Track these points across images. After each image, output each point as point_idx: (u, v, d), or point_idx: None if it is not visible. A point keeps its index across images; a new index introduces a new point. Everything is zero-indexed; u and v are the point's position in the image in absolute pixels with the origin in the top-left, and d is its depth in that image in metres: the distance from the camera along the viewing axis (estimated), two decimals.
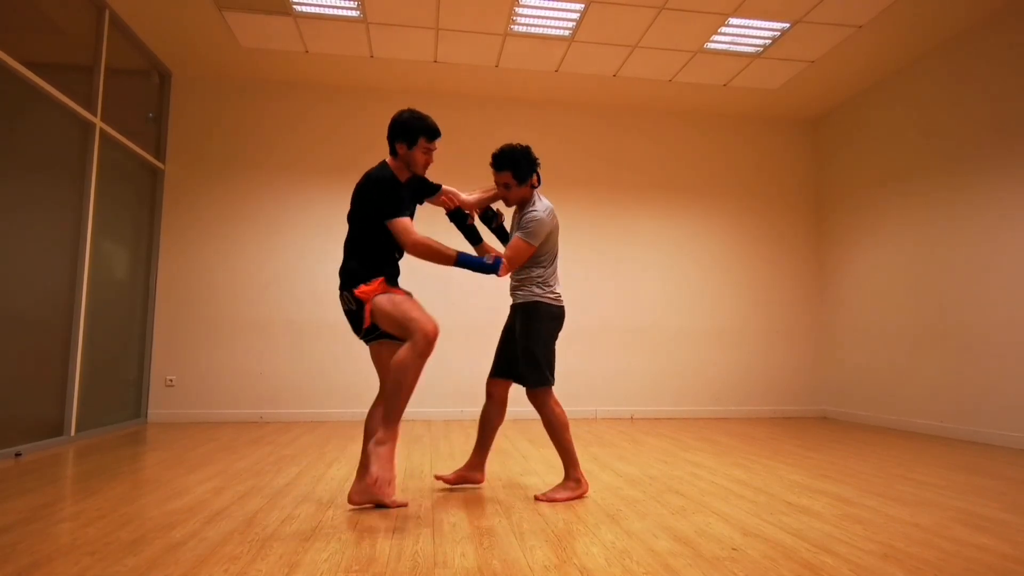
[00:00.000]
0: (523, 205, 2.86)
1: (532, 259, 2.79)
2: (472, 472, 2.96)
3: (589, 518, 2.46)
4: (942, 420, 4.96)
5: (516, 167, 2.79)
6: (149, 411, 5.40)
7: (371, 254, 2.59)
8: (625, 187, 6.33)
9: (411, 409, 5.72)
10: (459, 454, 3.91)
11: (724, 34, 4.94)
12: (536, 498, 2.73)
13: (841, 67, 5.47)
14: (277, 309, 5.65)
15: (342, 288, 2.58)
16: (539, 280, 2.79)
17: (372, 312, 2.48)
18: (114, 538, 2.11)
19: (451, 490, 2.93)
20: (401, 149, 2.67)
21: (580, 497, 2.77)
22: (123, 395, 5.12)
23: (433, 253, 2.58)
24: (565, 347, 5.99)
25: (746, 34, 4.93)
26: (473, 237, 2.93)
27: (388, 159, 2.72)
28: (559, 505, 2.65)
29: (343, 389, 5.66)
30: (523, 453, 3.96)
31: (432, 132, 2.70)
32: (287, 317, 5.65)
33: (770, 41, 5.02)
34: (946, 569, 1.92)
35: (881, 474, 3.40)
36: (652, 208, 6.36)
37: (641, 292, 6.24)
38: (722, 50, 5.18)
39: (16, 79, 3.68)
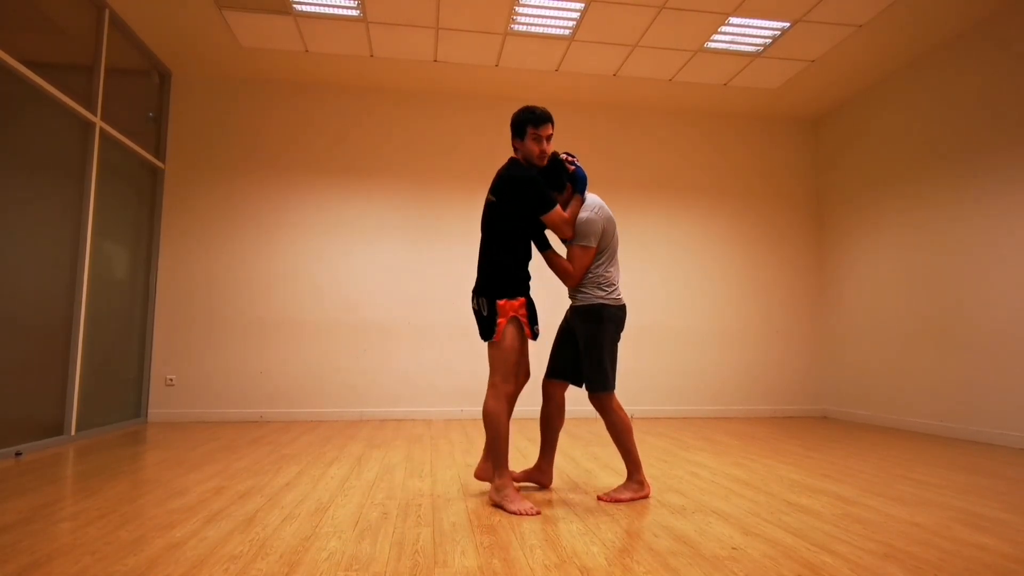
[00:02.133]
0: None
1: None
2: (540, 475, 2.95)
3: (589, 518, 2.46)
4: (942, 420, 4.96)
5: (572, 180, 2.88)
6: (149, 411, 5.40)
7: (512, 263, 2.68)
8: (625, 186, 6.33)
9: (411, 408, 5.74)
10: (459, 453, 3.91)
11: (724, 33, 4.94)
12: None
13: (841, 67, 5.46)
14: (277, 309, 5.65)
15: (479, 293, 2.68)
16: (601, 281, 2.77)
17: (504, 331, 2.61)
18: (114, 538, 2.11)
19: (451, 490, 2.93)
20: (517, 144, 2.73)
21: (644, 498, 2.75)
22: (123, 395, 5.12)
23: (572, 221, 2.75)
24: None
25: (746, 33, 4.93)
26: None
27: (515, 156, 2.79)
28: (558, 504, 2.65)
29: (343, 389, 5.66)
30: (523, 452, 3.96)
31: (538, 118, 2.68)
32: (287, 317, 5.65)
33: (770, 40, 5.02)
34: (946, 569, 1.92)
35: (881, 473, 3.40)
36: (652, 207, 6.36)
37: (641, 291, 6.24)
38: (722, 49, 5.18)
39: (16, 78, 3.68)
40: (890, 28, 4.82)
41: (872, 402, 5.73)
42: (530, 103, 6.31)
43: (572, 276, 2.75)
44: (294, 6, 4.61)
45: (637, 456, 2.78)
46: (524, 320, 2.64)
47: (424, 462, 3.61)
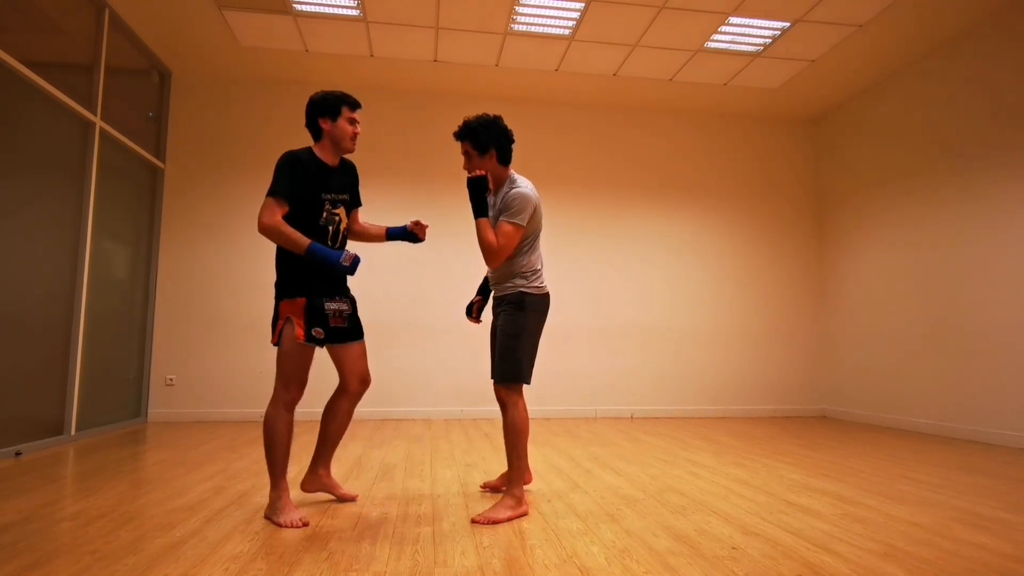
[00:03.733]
0: (500, 186, 2.63)
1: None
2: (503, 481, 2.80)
3: (589, 517, 2.45)
4: (942, 419, 4.96)
5: (475, 136, 2.56)
6: (149, 410, 5.40)
7: (293, 256, 2.40)
8: (625, 186, 6.33)
9: (411, 408, 5.74)
10: (459, 452, 3.91)
11: (724, 33, 4.94)
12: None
13: (841, 66, 5.46)
14: None
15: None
16: (523, 269, 2.60)
17: (281, 334, 2.39)
18: (114, 537, 2.11)
19: (451, 490, 2.93)
20: (326, 125, 2.47)
21: (521, 516, 2.44)
22: (123, 394, 5.12)
23: (283, 238, 2.34)
24: (565, 346, 6.02)
25: (746, 33, 4.93)
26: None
27: (312, 146, 2.52)
28: (558, 503, 2.65)
29: None
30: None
31: (353, 102, 2.50)
32: None
33: (770, 40, 5.02)
34: (946, 568, 1.92)
35: (881, 473, 3.40)
36: (652, 207, 6.36)
37: (641, 291, 6.24)
38: (722, 49, 5.18)
39: (16, 78, 3.68)
40: (890, 28, 4.82)
41: (872, 402, 5.73)
42: (530, 103, 6.37)
43: (496, 252, 2.48)
44: (294, 6, 4.61)
45: (527, 465, 2.56)
46: (299, 322, 2.37)
47: (424, 462, 3.61)
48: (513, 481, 2.51)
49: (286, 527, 2.26)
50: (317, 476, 2.63)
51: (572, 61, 5.43)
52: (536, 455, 3.86)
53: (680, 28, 4.85)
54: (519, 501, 2.47)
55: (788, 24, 4.77)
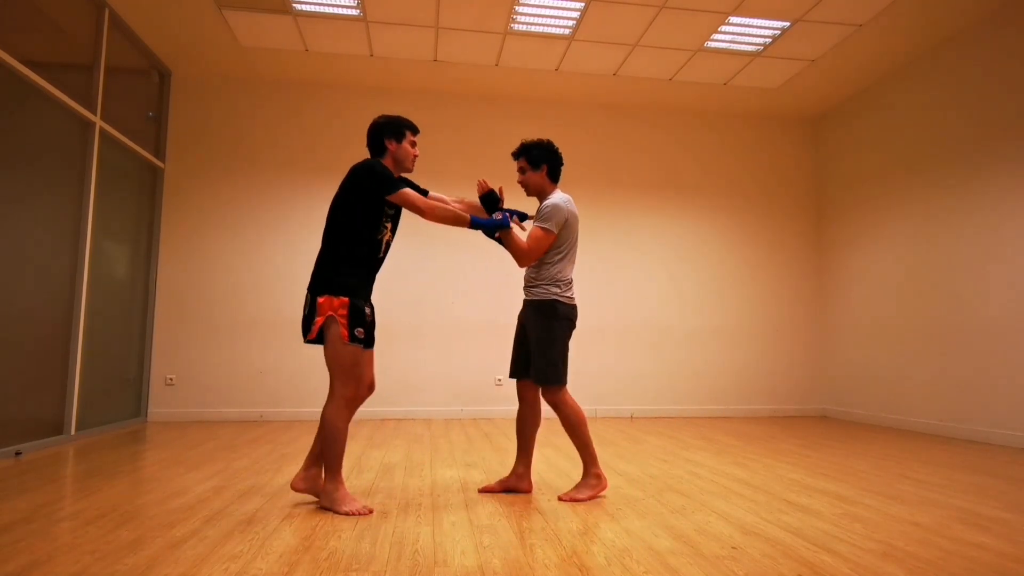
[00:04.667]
0: (541, 198, 2.89)
1: (550, 252, 2.76)
2: (519, 481, 2.85)
3: (589, 517, 2.46)
4: (942, 419, 4.96)
5: (529, 154, 2.87)
6: (149, 410, 5.40)
7: (346, 260, 2.54)
8: (625, 186, 6.33)
9: (411, 408, 5.74)
10: (459, 452, 3.92)
11: (724, 33, 4.94)
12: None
13: (841, 66, 5.46)
14: (277, 308, 5.65)
15: (308, 288, 2.55)
16: (557, 277, 2.76)
17: (323, 329, 2.47)
18: (114, 537, 2.11)
19: (451, 490, 2.93)
20: (391, 145, 2.66)
21: (602, 493, 2.77)
22: (123, 394, 5.12)
23: (450, 216, 2.60)
24: None
25: (746, 33, 4.93)
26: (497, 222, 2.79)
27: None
28: (558, 503, 2.65)
29: None
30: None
31: (415, 128, 2.73)
32: (287, 316, 5.65)
33: (770, 40, 5.02)
34: (946, 568, 1.92)
35: (881, 473, 3.40)
36: (652, 207, 6.36)
37: (641, 291, 6.24)
38: (722, 49, 5.18)
39: (16, 78, 3.68)
40: (890, 28, 4.82)
41: (871, 402, 5.73)
42: (531, 102, 6.37)
43: (525, 255, 2.71)
44: (294, 5, 4.61)
45: (594, 450, 2.77)
46: (342, 321, 2.45)
47: (424, 462, 3.61)
48: (587, 464, 2.76)
49: (352, 515, 2.42)
50: (310, 476, 2.62)
51: (572, 61, 5.43)
52: (536, 455, 3.85)
53: (680, 28, 4.85)
54: (599, 479, 2.75)
55: (788, 24, 4.77)
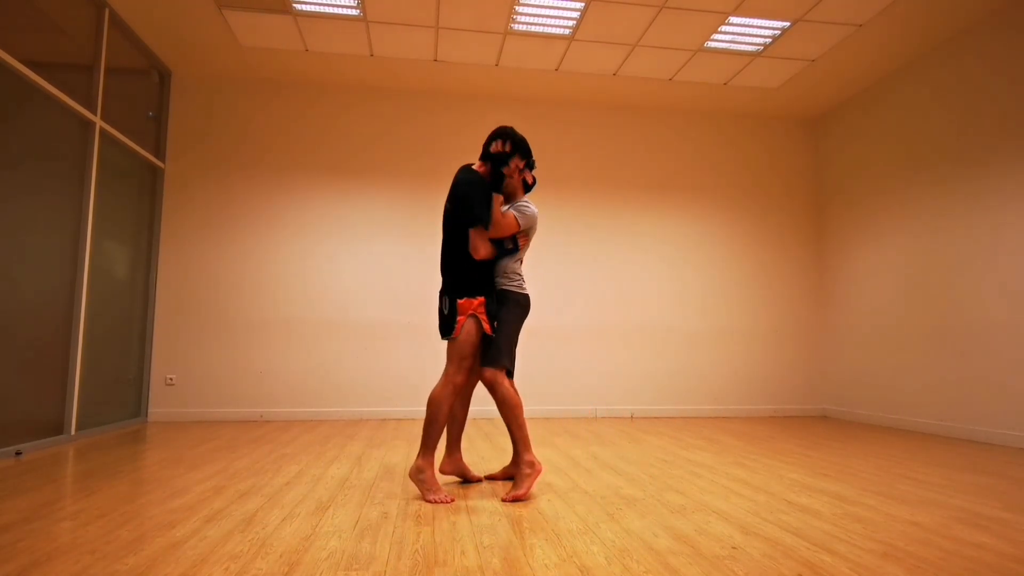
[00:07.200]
0: (512, 200, 3.04)
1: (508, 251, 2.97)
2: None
3: (589, 517, 2.46)
4: (942, 419, 4.96)
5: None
6: (149, 410, 5.40)
7: (477, 265, 2.84)
8: (625, 186, 6.33)
9: (411, 408, 5.74)
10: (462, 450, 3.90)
11: (724, 33, 4.94)
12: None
13: (841, 66, 5.46)
14: (277, 308, 5.65)
15: (443, 292, 2.85)
16: (509, 271, 2.96)
17: (463, 328, 2.78)
18: (114, 537, 2.11)
19: (451, 490, 2.93)
20: (515, 163, 2.93)
21: (538, 476, 2.82)
22: (123, 394, 5.12)
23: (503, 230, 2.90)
24: (565, 346, 6.02)
25: (746, 33, 4.93)
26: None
27: (476, 164, 2.97)
28: (558, 503, 2.65)
29: (343, 388, 5.67)
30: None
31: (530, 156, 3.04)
32: (287, 316, 5.65)
33: (770, 40, 5.02)
34: (946, 568, 1.92)
35: (881, 473, 3.40)
36: (652, 207, 6.36)
37: (641, 291, 6.24)
38: (722, 49, 5.18)
39: (16, 78, 3.68)
40: (890, 28, 4.82)
41: (872, 402, 5.73)
42: (531, 102, 6.37)
43: (496, 223, 2.85)
44: (294, 5, 4.61)
45: (527, 434, 2.85)
46: (484, 318, 2.80)
47: None
48: (519, 450, 2.82)
49: (435, 503, 2.62)
50: (454, 460, 3.03)
51: (572, 61, 5.43)
52: (536, 455, 3.86)
53: (680, 28, 4.85)
54: (531, 465, 2.79)
55: (788, 24, 4.77)
